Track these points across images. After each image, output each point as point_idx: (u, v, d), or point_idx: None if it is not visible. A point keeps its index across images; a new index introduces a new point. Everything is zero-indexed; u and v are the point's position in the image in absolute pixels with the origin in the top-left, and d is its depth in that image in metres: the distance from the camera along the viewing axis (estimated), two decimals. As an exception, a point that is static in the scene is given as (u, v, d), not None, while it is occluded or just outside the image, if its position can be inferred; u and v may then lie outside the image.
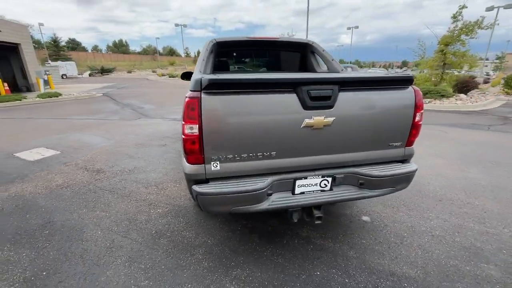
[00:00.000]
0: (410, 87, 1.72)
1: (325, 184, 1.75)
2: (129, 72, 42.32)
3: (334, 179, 1.75)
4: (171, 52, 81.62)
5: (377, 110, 1.67)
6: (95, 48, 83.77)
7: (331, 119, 1.58)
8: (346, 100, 1.60)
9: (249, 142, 1.56)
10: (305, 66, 3.12)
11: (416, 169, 1.82)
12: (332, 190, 1.76)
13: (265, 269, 1.80)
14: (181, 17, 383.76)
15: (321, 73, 2.69)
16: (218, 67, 3.14)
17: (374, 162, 1.82)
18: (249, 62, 3.63)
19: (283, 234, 2.20)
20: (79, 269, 1.80)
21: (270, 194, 1.66)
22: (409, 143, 1.84)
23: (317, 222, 1.78)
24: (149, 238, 2.13)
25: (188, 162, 1.55)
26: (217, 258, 1.92)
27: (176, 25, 32.77)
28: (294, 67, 3.33)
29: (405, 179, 1.82)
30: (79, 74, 34.41)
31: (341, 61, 30.49)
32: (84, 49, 69.91)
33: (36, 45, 35.45)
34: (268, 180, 1.62)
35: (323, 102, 1.56)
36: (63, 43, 46.84)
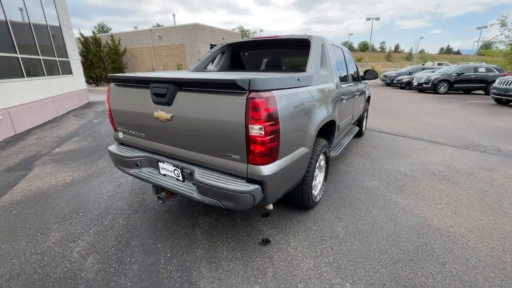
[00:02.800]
0: (244, 95, 1.46)
1: (177, 174, 1.90)
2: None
3: (182, 171, 1.86)
4: (364, 48, 79.04)
5: (210, 114, 1.58)
6: None
7: (169, 115, 1.74)
8: (183, 99, 1.69)
9: (128, 122, 2.11)
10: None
11: (249, 192, 1.51)
12: (184, 181, 1.88)
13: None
14: (392, 9, 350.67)
15: (177, 72, 2.61)
16: (232, 65, 3.52)
17: (216, 168, 1.71)
18: (256, 61, 3.66)
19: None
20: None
21: (139, 165, 2.08)
22: (254, 160, 1.54)
23: (159, 201, 2.05)
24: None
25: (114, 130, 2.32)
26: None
27: (368, 19, 31.63)
28: (296, 64, 3.24)
29: (228, 197, 1.55)
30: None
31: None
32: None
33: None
34: (139, 154, 2.08)
35: (162, 99, 1.74)
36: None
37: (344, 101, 2.96)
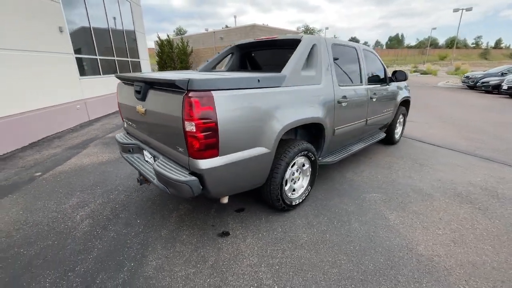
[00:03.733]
0: (182, 94, 1.60)
1: (152, 161, 2.14)
2: (386, 67, 42.49)
3: (154, 159, 2.10)
4: (451, 44, 67.42)
5: (164, 109, 1.80)
6: (377, 44, 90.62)
7: (144, 109, 2.01)
8: (152, 96, 1.95)
9: (126, 114, 2.50)
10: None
11: (185, 182, 1.65)
12: None
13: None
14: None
15: (154, 73, 2.79)
16: (241, 66, 3.66)
17: (172, 159, 1.93)
18: (261, 61, 3.66)
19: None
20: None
21: (131, 151, 2.46)
22: (192, 154, 1.66)
23: (138, 183, 2.33)
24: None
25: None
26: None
27: (455, 10, 26.84)
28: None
29: (172, 185, 1.73)
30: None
31: None
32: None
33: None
34: (132, 141, 2.45)
35: (139, 95, 2.04)
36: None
37: (344, 104, 2.77)
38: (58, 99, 5.72)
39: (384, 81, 3.77)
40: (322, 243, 2.06)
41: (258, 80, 1.92)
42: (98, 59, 7.53)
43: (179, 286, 1.66)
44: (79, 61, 6.62)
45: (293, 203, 2.47)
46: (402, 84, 4.40)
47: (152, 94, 1.96)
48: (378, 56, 3.75)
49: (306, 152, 2.41)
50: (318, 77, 2.50)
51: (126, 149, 2.51)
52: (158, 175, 1.85)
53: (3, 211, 2.55)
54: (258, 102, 1.90)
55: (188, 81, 1.57)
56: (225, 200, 2.04)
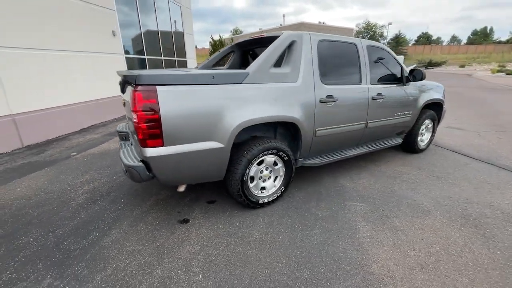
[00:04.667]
0: (132, 88, 1.81)
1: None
2: (461, 66, 36.46)
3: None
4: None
5: (129, 101, 1.93)
6: (454, 40, 78.71)
7: (123, 100, 2.43)
8: (127, 89, 2.20)
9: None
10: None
11: (132, 167, 1.90)
12: None
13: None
14: None
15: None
16: (242, 63, 3.78)
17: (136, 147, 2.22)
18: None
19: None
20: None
21: (124, 139, 2.69)
22: (141, 143, 1.83)
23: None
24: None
25: None
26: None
27: None
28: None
29: (125, 169, 2.02)
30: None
31: None
32: (437, 42, 69.54)
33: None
34: (125, 130, 2.76)
35: (121, 88, 2.45)
36: (413, 38, 51.56)
37: (330, 104, 2.61)
38: (109, 92, 6.70)
39: (400, 80, 3.37)
40: (270, 244, 2.02)
41: (213, 77, 1.98)
42: (146, 59, 8.50)
43: (121, 259, 1.86)
44: (130, 61, 7.62)
45: (260, 201, 2.45)
46: (429, 84, 3.84)
47: (127, 87, 2.21)
48: (393, 54, 3.36)
49: (276, 151, 2.37)
50: (294, 75, 2.41)
51: (120, 136, 2.86)
52: (120, 160, 2.09)
53: (35, 180, 3.20)
54: (211, 97, 1.97)
55: (136, 76, 1.75)
56: (181, 188, 2.18)
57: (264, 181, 2.50)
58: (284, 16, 32.81)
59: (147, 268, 1.78)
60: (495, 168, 3.47)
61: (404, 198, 2.69)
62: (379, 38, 56.55)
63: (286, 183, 2.59)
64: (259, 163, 2.38)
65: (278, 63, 2.46)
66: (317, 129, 2.60)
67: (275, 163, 2.48)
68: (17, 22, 4.39)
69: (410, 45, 57.65)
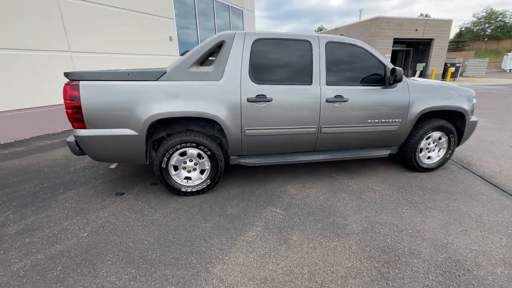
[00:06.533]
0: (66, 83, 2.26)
1: None
2: None
3: None
4: None
5: None
6: None
7: None
8: None
9: None
10: None
11: (68, 142, 2.49)
12: None
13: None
14: None
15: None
16: None
17: None
18: None
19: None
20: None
21: None
22: (72, 125, 2.35)
23: None
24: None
25: None
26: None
27: None
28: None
29: (67, 144, 2.57)
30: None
31: None
32: None
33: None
34: None
35: None
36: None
37: (262, 104, 2.55)
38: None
39: (382, 82, 2.87)
40: (159, 225, 2.24)
41: (128, 74, 2.34)
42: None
43: (58, 209, 2.48)
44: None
45: (183, 190, 2.67)
46: (440, 87, 3.06)
47: None
48: (372, 51, 2.87)
49: (195, 144, 2.54)
50: (217, 73, 2.49)
51: None
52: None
53: (56, 153, 4.35)
54: (125, 92, 2.34)
55: (68, 73, 2.30)
56: (113, 165, 2.66)
57: (189, 171, 2.70)
58: (361, 10, 29.59)
59: (64, 220, 2.32)
60: (519, 206, 2.50)
61: (334, 216, 2.37)
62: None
63: (213, 177, 2.70)
64: (182, 154, 2.60)
65: (208, 63, 2.60)
66: (245, 129, 2.60)
67: (200, 157, 2.64)
68: (104, 35, 5.93)
69: None
